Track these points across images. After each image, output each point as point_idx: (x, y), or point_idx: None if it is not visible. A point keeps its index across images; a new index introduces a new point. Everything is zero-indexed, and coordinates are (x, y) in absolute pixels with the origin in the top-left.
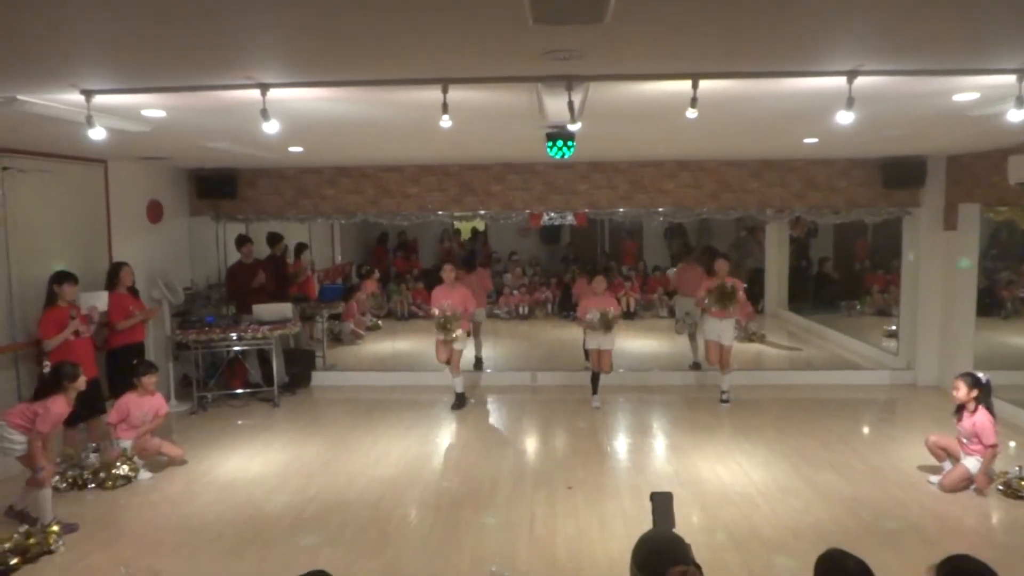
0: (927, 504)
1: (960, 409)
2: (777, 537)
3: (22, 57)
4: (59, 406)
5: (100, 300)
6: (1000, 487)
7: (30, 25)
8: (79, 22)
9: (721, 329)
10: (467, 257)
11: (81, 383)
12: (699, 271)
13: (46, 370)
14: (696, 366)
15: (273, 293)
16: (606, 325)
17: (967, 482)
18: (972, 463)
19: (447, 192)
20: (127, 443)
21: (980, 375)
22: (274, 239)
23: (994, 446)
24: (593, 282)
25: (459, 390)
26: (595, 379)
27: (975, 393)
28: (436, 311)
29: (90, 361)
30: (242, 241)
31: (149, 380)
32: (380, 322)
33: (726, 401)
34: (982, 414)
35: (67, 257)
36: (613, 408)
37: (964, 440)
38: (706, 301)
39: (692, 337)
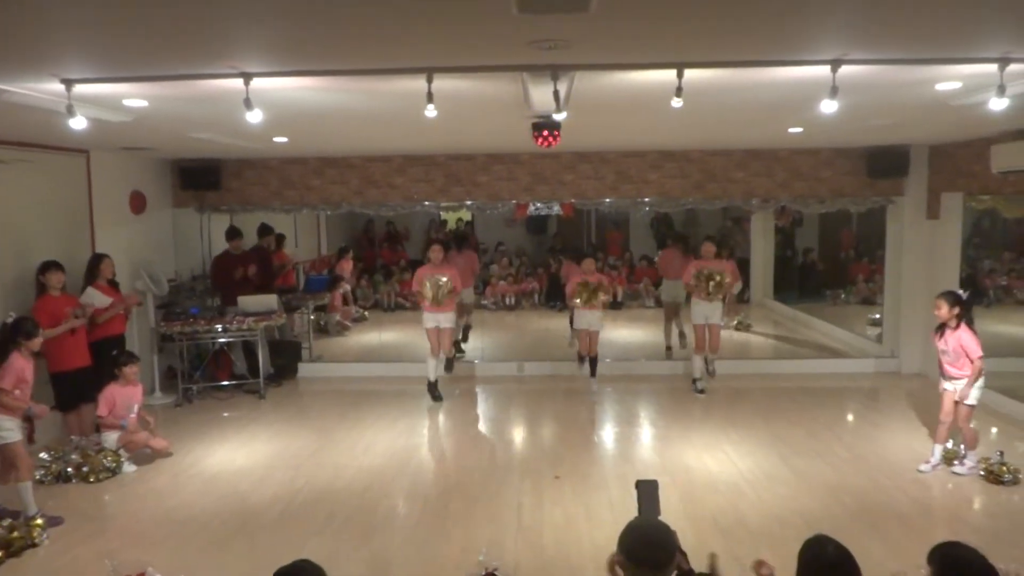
0: (911, 491)
1: (942, 328)
2: (763, 524)
3: (0, 45)
4: (18, 361)
5: (98, 299)
6: (982, 472)
7: (9, 12)
8: (59, 9)
9: (709, 311)
10: (457, 237)
11: (36, 343)
12: (680, 254)
13: (9, 320)
14: (669, 350)
15: (260, 286)
16: (595, 295)
17: (959, 402)
18: (961, 386)
19: (433, 182)
20: (113, 435)
21: (960, 292)
22: (265, 230)
23: (981, 358)
24: (583, 264)
25: (432, 378)
26: (592, 362)
27: (956, 310)
28: (427, 286)
29: (83, 350)
30: (233, 234)
31: (131, 370)
32: (367, 313)
33: (703, 391)
34: (965, 331)
35: (49, 248)
36: (599, 397)
37: (949, 362)
38: (692, 283)
39: (668, 320)
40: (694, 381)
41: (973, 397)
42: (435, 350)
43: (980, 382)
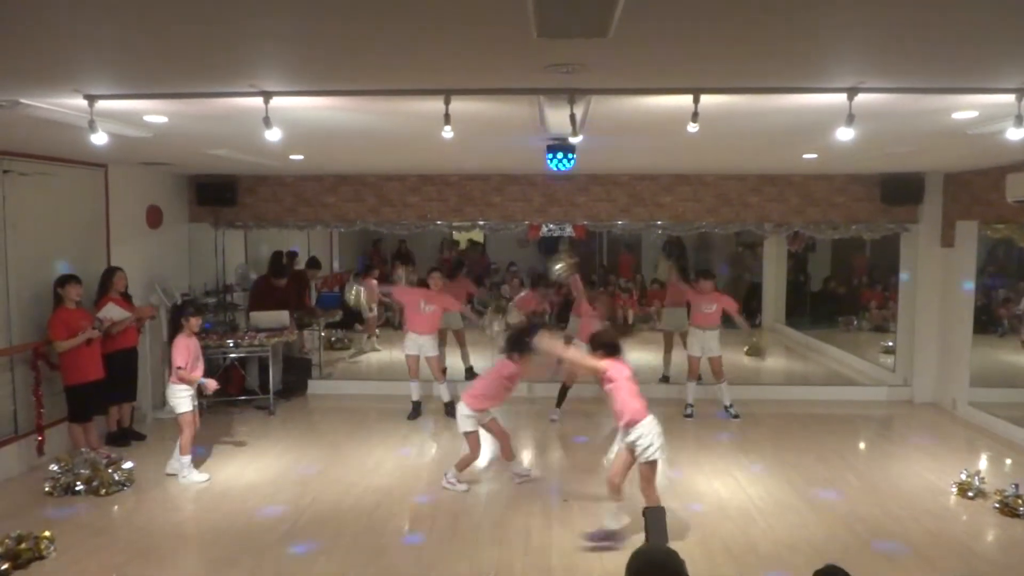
0: (923, 521)
1: None
2: (773, 552)
3: (26, 61)
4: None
5: (116, 313)
6: (996, 504)
7: (34, 29)
8: (83, 28)
9: (705, 341)
10: (455, 263)
11: (195, 323)
12: (683, 287)
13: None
14: (665, 379)
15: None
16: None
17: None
18: None
19: (447, 202)
20: (184, 393)
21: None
22: (313, 264)
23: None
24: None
25: (446, 399)
26: None
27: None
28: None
29: (98, 363)
30: (280, 272)
31: (196, 321)
32: (378, 331)
33: (736, 416)
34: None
35: (66, 261)
36: (609, 421)
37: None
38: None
39: (667, 350)
40: (686, 406)
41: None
42: (413, 372)
43: None
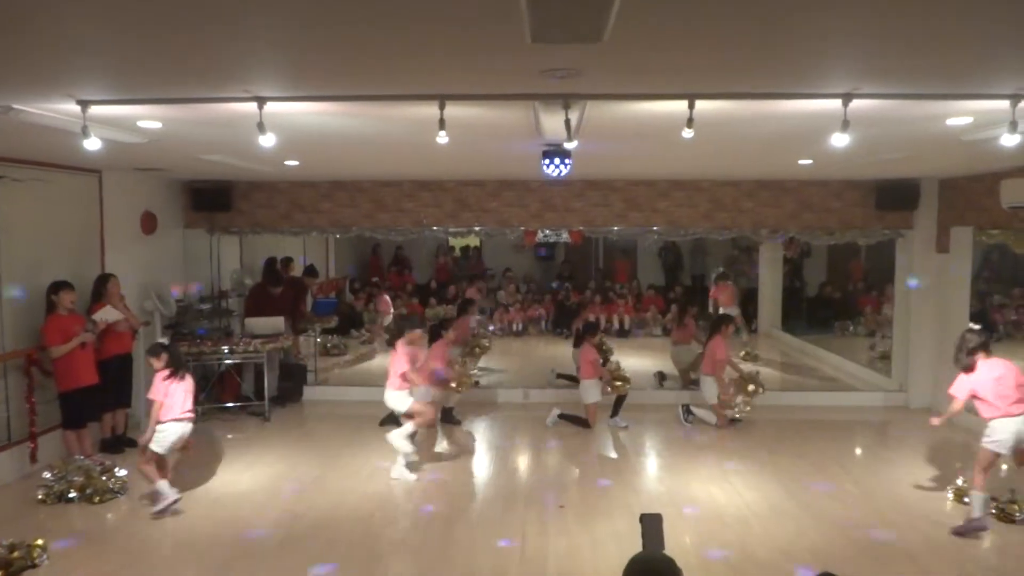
0: (920, 527)
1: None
2: (769, 559)
3: (19, 66)
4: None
5: (111, 315)
6: (992, 510)
7: (27, 35)
8: (77, 32)
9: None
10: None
11: (416, 336)
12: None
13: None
14: (661, 375)
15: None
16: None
17: None
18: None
19: (443, 207)
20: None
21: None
22: (310, 271)
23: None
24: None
25: (448, 405)
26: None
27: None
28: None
29: (92, 368)
30: (275, 281)
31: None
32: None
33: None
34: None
35: (59, 267)
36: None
37: None
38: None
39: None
40: (690, 412)
41: None
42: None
43: None
